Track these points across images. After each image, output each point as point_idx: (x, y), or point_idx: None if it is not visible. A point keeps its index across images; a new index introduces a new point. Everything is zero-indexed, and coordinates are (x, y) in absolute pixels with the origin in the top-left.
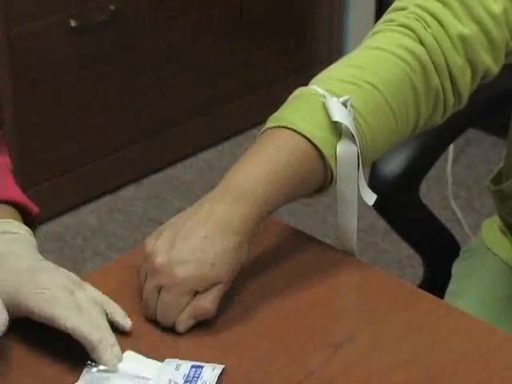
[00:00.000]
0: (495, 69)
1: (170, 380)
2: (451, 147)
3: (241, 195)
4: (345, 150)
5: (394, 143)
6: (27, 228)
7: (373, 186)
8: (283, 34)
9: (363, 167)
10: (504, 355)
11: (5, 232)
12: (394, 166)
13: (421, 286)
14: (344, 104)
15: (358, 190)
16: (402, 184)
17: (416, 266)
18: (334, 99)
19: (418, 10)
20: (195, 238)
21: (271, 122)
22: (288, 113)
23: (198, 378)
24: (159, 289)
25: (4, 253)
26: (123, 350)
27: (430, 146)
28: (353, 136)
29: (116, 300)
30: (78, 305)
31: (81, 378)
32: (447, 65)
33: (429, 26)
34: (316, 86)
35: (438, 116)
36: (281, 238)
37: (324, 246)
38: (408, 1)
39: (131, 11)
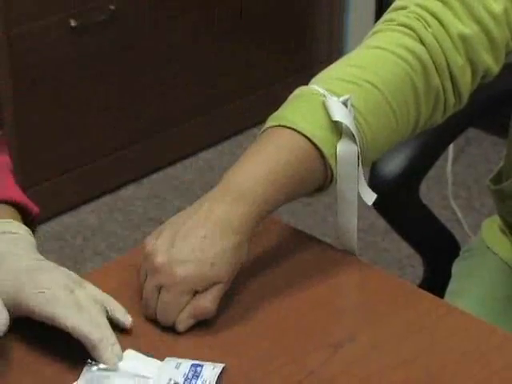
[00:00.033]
0: (495, 68)
1: (170, 379)
2: (451, 147)
3: (240, 195)
4: (345, 150)
5: (394, 143)
6: (27, 228)
7: (373, 185)
8: (283, 33)
9: (363, 167)
10: (504, 355)
11: (4, 232)
12: (393, 165)
13: (421, 286)
14: (344, 103)
15: (358, 190)
16: (402, 184)
17: (416, 266)
18: (335, 98)
19: (419, 10)
20: (195, 238)
21: (271, 121)
22: (288, 112)
23: (198, 376)
24: (159, 288)
25: (3, 253)
26: (123, 349)
27: (430, 145)
28: (353, 135)
29: (116, 299)
30: (78, 303)
31: (81, 377)
32: (448, 64)
33: (429, 26)
34: (316, 86)
35: (438, 116)
36: (281, 238)
37: (324, 246)
38: (408, 0)
39: (131, 11)
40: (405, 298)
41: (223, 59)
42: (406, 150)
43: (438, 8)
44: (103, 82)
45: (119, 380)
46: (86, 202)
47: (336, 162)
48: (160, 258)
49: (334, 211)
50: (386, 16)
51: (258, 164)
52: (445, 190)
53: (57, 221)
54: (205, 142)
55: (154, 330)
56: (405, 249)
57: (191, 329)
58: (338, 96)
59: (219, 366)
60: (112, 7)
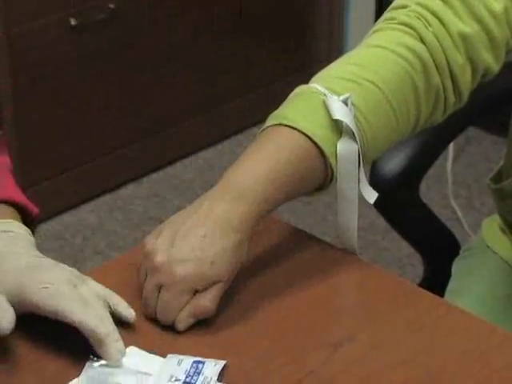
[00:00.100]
0: (496, 67)
1: (171, 375)
2: (451, 146)
3: (240, 194)
4: (345, 148)
5: (394, 141)
6: (26, 228)
7: (373, 184)
8: (283, 32)
9: (363, 165)
10: (504, 354)
11: (4, 231)
12: (394, 164)
13: (421, 285)
14: (345, 102)
15: (359, 189)
16: (402, 183)
17: (416, 265)
18: (335, 97)
19: (419, 8)
20: (195, 237)
21: (271, 119)
22: (288, 111)
23: (199, 373)
24: (159, 287)
25: (3, 252)
26: (125, 346)
27: (430, 144)
28: (353, 134)
29: None
30: (83, 298)
31: (83, 373)
32: (448, 63)
33: (430, 25)
34: (316, 84)
35: (438, 114)
36: (281, 237)
37: (324, 245)
38: None
39: (131, 10)
40: (405, 297)
41: (223, 58)
42: (406, 148)
43: (439, 7)
44: (103, 80)
45: (122, 376)
46: (85, 201)
47: (336, 161)
48: (160, 257)
49: (334, 210)
50: (386, 15)
51: (258, 163)
52: (445, 189)
53: (57, 220)
54: (205, 141)
55: (154, 329)
56: (405, 248)
57: (191, 328)
58: (339, 95)
59: (221, 363)
60: (112, 6)
